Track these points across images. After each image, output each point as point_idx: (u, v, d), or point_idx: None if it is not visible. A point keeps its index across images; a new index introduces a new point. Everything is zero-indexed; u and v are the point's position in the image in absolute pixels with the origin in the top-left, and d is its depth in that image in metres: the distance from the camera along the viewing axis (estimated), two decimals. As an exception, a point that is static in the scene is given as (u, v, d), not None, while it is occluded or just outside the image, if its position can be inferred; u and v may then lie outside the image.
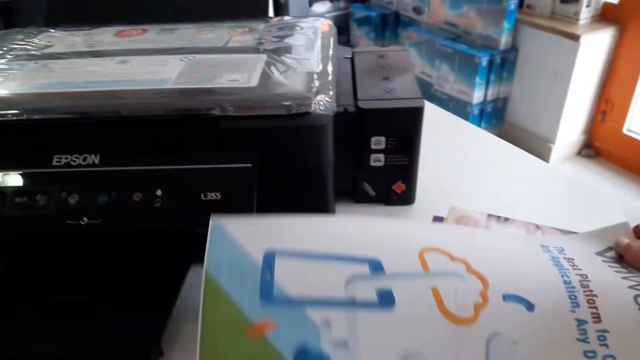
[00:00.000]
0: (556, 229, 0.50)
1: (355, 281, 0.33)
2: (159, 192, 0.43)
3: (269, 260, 0.34)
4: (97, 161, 0.44)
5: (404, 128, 0.55)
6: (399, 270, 0.33)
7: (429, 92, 1.91)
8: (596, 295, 0.32)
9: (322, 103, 0.46)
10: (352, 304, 0.32)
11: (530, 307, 0.32)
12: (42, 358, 0.38)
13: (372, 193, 0.61)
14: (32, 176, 0.43)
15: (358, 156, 0.57)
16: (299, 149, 0.46)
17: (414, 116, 0.54)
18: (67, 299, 0.43)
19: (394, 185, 0.60)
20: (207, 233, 0.36)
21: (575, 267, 0.34)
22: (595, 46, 1.57)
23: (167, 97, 0.44)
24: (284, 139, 0.45)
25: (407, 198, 0.61)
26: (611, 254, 0.37)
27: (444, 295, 0.31)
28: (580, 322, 0.31)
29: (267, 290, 0.32)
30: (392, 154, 0.57)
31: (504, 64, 1.74)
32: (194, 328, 0.34)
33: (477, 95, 1.77)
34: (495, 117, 1.87)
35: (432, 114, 0.73)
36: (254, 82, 0.46)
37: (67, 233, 0.42)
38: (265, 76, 0.46)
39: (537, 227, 0.50)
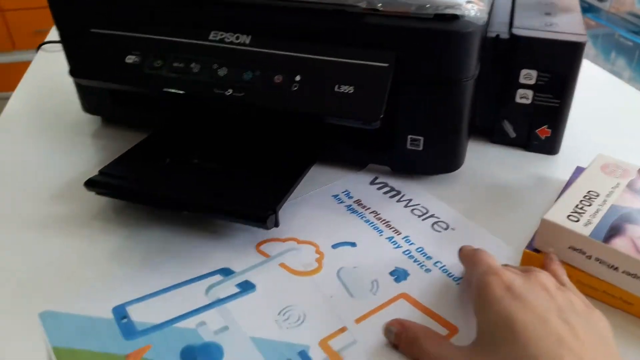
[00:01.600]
0: None
1: (213, 287, 0.40)
2: (297, 78, 0.46)
3: (119, 311, 0.38)
4: (247, 41, 0.47)
5: (560, 64, 0.50)
6: (246, 266, 0.43)
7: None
8: (390, 221, 0.48)
9: (473, 10, 0.44)
10: (217, 302, 0.39)
11: (353, 245, 0.45)
12: (176, 201, 0.45)
13: (512, 134, 0.56)
14: (191, 46, 0.48)
15: (503, 90, 0.53)
16: (441, 56, 0.45)
17: (574, 52, 0.49)
18: (204, 163, 0.49)
19: (538, 129, 0.55)
20: (334, 124, 0.45)
21: (366, 207, 0.49)
22: None
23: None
24: (427, 42, 0.44)
25: (550, 146, 0.56)
26: (378, 180, 0.53)
27: (289, 265, 0.43)
28: (390, 239, 0.46)
29: (128, 330, 0.37)
30: (541, 92, 0.52)
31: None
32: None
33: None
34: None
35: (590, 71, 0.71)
36: (403, -20, 0.44)
37: (213, 100, 0.47)
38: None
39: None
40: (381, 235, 0.46)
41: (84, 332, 0.36)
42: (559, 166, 0.54)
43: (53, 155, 0.56)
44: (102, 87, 0.55)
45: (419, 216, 0.49)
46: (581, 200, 0.41)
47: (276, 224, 0.44)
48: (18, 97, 0.69)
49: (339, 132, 0.51)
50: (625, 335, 0.36)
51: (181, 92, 0.47)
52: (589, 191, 0.42)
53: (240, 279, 0.41)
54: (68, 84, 0.58)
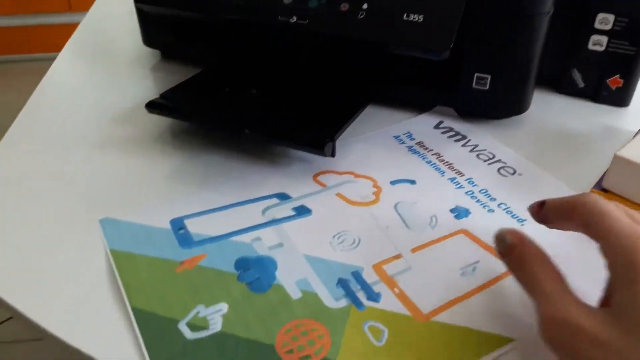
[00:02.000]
0: None
1: (270, 209, 0.41)
2: (364, 6, 0.45)
3: (177, 223, 0.39)
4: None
5: (641, 8, 0.46)
6: (302, 193, 0.42)
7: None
8: (453, 163, 0.46)
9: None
10: (273, 222, 0.39)
11: (413, 182, 0.43)
12: (236, 123, 0.45)
13: (581, 84, 0.54)
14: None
15: (576, 35, 0.51)
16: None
17: (657, -5, 0.45)
18: (262, 94, 0.49)
19: (609, 78, 0.52)
20: (398, 58, 0.46)
21: (428, 149, 0.48)
22: None
23: None
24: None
25: (621, 97, 0.53)
26: (443, 125, 0.51)
27: (346, 195, 0.42)
28: (452, 179, 0.44)
29: (185, 239, 0.37)
30: (617, 38, 0.49)
31: None
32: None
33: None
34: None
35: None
36: None
37: (277, 27, 0.46)
38: None
39: None
40: (443, 175, 0.44)
41: (141, 239, 0.37)
42: (628, 118, 0.52)
43: (113, 85, 0.58)
44: (163, 15, 0.55)
45: (485, 160, 0.47)
46: None
47: (333, 154, 0.43)
48: (83, 29, 0.71)
49: (402, 67, 0.50)
50: None
51: (245, 18, 0.47)
52: None
53: (296, 203, 0.41)
54: (131, 20, 0.59)
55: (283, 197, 0.42)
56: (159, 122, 0.50)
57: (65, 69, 0.62)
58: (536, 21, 0.44)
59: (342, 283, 0.34)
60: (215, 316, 0.31)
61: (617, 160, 0.38)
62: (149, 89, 0.56)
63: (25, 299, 0.33)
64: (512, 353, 0.30)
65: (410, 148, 0.48)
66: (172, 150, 0.47)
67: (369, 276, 0.34)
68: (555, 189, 0.43)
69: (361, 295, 0.33)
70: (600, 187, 0.40)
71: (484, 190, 0.43)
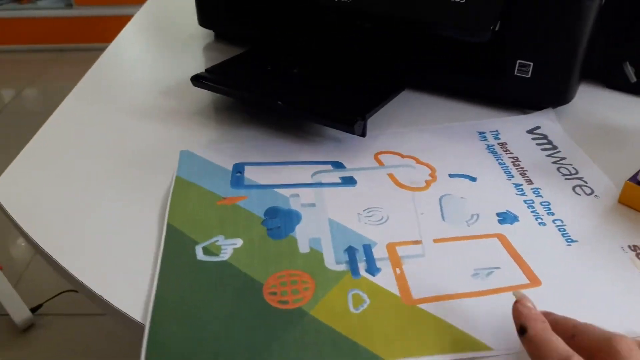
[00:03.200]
0: None
1: (320, 173, 0.43)
2: None
3: (238, 167, 0.42)
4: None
5: None
6: (358, 167, 0.44)
7: None
8: (527, 170, 0.43)
9: None
10: (318, 184, 0.42)
11: (473, 179, 0.42)
12: (274, 98, 0.46)
13: (633, 78, 0.52)
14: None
15: (630, 26, 0.49)
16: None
17: None
18: (303, 73, 0.51)
19: None
20: (442, 36, 0.44)
21: (508, 151, 0.45)
22: None
23: None
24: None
25: None
26: (538, 131, 0.48)
27: (398, 178, 0.43)
28: (517, 185, 0.41)
29: (237, 181, 0.41)
30: None
31: None
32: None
33: None
34: None
35: None
36: None
37: (320, 7, 0.48)
38: None
39: None
40: (510, 179, 0.42)
41: (204, 173, 0.42)
42: None
43: (168, 61, 0.62)
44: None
45: (564, 175, 0.43)
46: None
47: (363, 133, 0.43)
48: (145, 10, 0.77)
49: (441, 50, 0.49)
50: None
51: None
52: None
53: (346, 173, 0.43)
54: (190, 2, 0.63)
55: (338, 165, 0.44)
56: (203, 97, 0.52)
57: (125, 46, 0.67)
58: (584, 8, 0.41)
59: (349, 250, 0.35)
60: (229, 248, 0.35)
61: None
62: (200, 67, 0.57)
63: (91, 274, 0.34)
64: (484, 361, 0.28)
65: (489, 147, 0.46)
66: (217, 124, 0.50)
67: (379, 252, 0.35)
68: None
69: (362, 266, 0.34)
70: (636, 180, 0.39)
71: (546, 203, 0.40)
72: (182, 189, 0.40)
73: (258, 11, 0.60)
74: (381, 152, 0.45)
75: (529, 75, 0.47)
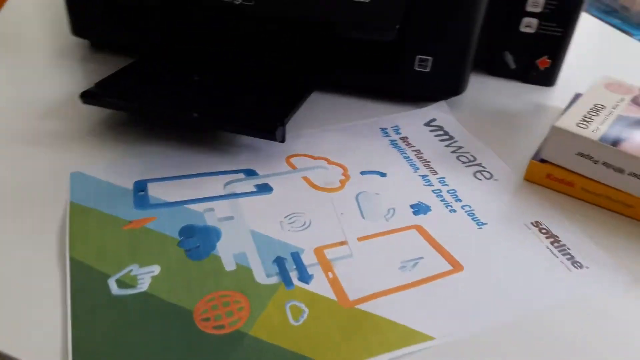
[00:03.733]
0: None
1: (233, 183, 0.41)
2: None
3: (140, 185, 0.39)
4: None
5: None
6: (270, 172, 0.42)
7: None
8: (430, 161, 0.45)
9: None
10: (232, 195, 0.40)
11: (383, 175, 0.43)
12: (183, 112, 0.43)
13: (513, 65, 0.57)
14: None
15: (508, 19, 0.54)
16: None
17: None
18: (205, 80, 0.48)
19: (538, 59, 0.56)
20: (346, 37, 0.45)
21: (410, 145, 0.47)
22: None
23: None
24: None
25: (548, 77, 0.57)
26: (434, 123, 0.50)
27: (313, 180, 0.42)
28: (423, 177, 0.43)
29: (141, 201, 0.38)
30: (547, 20, 0.53)
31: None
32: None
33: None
34: None
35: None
36: None
37: (221, 10, 0.45)
38: None
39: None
40: (416, 171, 0.44)
41: (102, 195, 0.38)
42: (556, 96, 0.56)
43: (39, 78, 0.53)
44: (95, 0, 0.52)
45: (464, 162, 0.46)
46: (589, 112, 0.43)
47: (283, 139, 0.42)
48: (3, 18, 0.66)
49: (345, 51, 0.50)
50: (624, 235, 0.39)
51: (186, 2, 0.46)
52: (596, 104, 0.44)
53: (260, 181, 0.41)
54: (55, 7, 0.56)
55: (250, 173, 0.42)
56: (93, 114, 0.47)
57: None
58: (477, 1, 0.45)
59: (278, 261, 0.34)
60: (146, 277, 0.32)
61: (555, 130, 0.41)
62: (79, 82, 0.52)
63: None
64: (429, 351, 0.29)
65: (392, 142, 0.48)
66: (111, 143, 0.44)
67: (308, 258, 0.34)
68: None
69: (293, 275, 0.33)
70: (539, 158, 0.43)
71: (453, 191, 0.42)
72: (79, 216, 0.36)
73: (143, 16, 0.55)
74: (292, 156, 0.44)
75: (428, 70, 0.49)
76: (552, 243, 0.37)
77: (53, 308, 0.30)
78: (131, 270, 0.32)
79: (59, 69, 0.56)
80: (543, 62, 0.56)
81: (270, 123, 0.42)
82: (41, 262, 0.33)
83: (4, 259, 0.33)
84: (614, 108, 0.44)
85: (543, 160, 0.42)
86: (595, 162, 0.40)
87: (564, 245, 0.37)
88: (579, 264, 0.35)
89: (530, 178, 0.43)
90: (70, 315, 0.29)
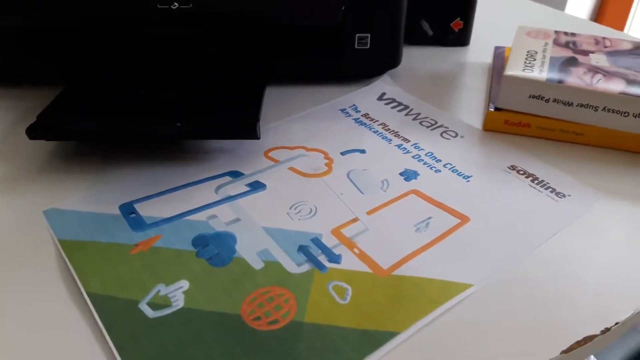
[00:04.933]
0: (624, 40, 0.53)
1: (223, 187, 0.40)
2: None
3: (127, 208, 0.37)
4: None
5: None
6: (255, 170, 0.42)
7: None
8: (398, 131, 0.47)
9: None
10: (228, 198, 0.39)
11: (362, 151, 0.44)
12: (150, 129, 0.40)
13: (430, 32, 0.62)
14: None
15: None
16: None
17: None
18: (155, 93, 0.45)
19: (452, 22, 0.61)
20: (287, 30, 0.47)
21: (373, 120, 0.49)
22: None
23: None
24: None
25: (463, 38, 0.63)
26: (386, 96, 0.53)
27: (300, 169, 0.42)
28: (399, 146, 0.45)
29: (137, 223, 0.36)
30: None
31: None
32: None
33: None
34: None
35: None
36: None
37: (158, 18, 0.43)
38: None
39: (604, 38, 0.53)
40: (390, 143, 0.46)
41: (90, 227, 0.35)
42: (475, 53, 0.62)
43: None
44: (3, 27, 0.46)
45: (427, 127, 0.48)
46: (526, 58, 0.47)
47: (259, 135, 0.42)
48: None
49: (289, 40, 0.52)
50: (581, 159, 0.44)
51: (119, 13, 0.43)
52: (528, 51, 0.49)
53: (250, 179, 0.41)
54: None
55: (235, 174, 0.41)
56: (36, 149, 0.43)
57: None
58: None
59: (302, 249, 0.34)
60: (177, 293, 0.31)
61: (507, 78, 0.45)
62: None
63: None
64: (471, 298, 0.31)
65: (356, 120, 0.49)
66: (78, 173, 0.41)
67: (329, 240, 0.35)
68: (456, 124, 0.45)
69: (323, 259, 0.33)
70: (494, 107, 0.47)
71: (430, 153, 0.44)
72: (77, 252, 0.33)
73: (63, 39, 0.51)
74: (270, 150, 0.44)
75: (368, 47, 0.51)
76: (532, 181, 0.41)
77: (90, 346, 0.28)
78: (159, 291, 0.31)
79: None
80: (456, 24, 0.61)
81: (247, 122, 0.41)
82: (57, 306, 0.30)
83: (17, 315, 0.30)
84: (544, 52, 0.49)
85: (497, 109, 0.46)
86: (547, 100, 0.44)
87: (543, 180, 0.41)
88: (561, 194, 0.39)
89: (489, 127, 0.47)
90: (114, 347, 0.27)
